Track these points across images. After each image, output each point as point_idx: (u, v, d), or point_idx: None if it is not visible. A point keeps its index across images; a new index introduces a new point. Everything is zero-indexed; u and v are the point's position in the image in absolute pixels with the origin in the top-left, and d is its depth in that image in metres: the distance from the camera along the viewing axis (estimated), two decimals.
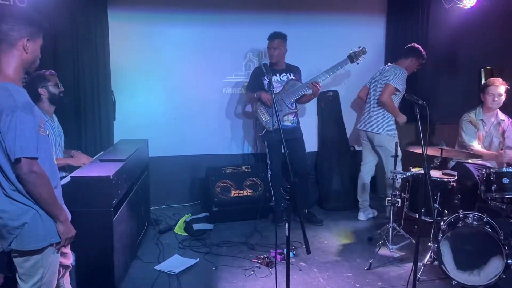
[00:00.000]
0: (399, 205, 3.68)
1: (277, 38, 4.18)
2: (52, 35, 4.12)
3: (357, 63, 4.28)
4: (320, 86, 4.13)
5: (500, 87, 3.91)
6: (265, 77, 4.27)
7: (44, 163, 1.96)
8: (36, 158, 1.90)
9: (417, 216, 3.64)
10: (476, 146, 3.99)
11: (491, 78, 4.12)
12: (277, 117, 2.65)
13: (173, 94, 4.78)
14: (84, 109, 4.41)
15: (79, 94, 4.37)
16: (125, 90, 4.65)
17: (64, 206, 2.16)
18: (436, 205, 3.37)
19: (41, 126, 1.94)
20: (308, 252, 2.43)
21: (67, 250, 2.31)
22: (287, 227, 2.23)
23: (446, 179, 3.53)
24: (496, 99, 3.93)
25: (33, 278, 2.02)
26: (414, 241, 3.69)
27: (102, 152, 3.69)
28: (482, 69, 5.07)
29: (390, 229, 3.68)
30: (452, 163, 4.19)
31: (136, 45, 4.63)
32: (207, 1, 4.69)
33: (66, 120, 4.15)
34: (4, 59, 1.95)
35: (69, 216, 2.18)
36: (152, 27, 4.64)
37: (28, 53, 1.98)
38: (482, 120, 4.03)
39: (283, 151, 4.25)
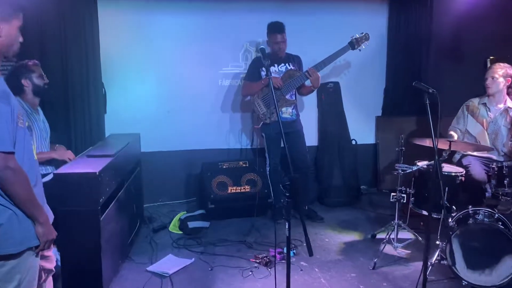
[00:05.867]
0: (404, 201, 3.50)
1: (283, 30, 3.95)
2: (38, 23, 3.93)
3: (359, 50, 4.08)
4: (318, 75, 3.92)
5: (496, 70, 3.73)
6: (263, 68, 4.09)
7: (22, 158, 1.77)
8: (13, 153, 1.70)
9: (423, 212, 3.52)
10: (453, 133, 3.89)
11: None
12: (276, 108, 2.46)
13: (166, 86, 4.58)
14: (73, 102, 4.21)
15: (68, 86, 4.18)
16: (116, 82, 4.45)
17: (46, 206, 1.98)
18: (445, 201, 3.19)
19: (19, 118, 1.75)
20: (311, 254, 2.25)
21: (49, 253, 2.12)
22: (287, 225, 2.03)
23: (454, 173, 3.36)
24: (489, 82, 3.75)
25: (9, 284, 1.83)
26: (420, 239, 3.54)
27: (91, 148, 3.49)
28: (488, 59, 4.87)
29: (395, 226, 3.52)
30: (457, 156, 4.01)
31: (128, 35, 4.43)
32: None
33: (54, 113, 3.99)
34: None
35: (51, 217, 1.99)
36: (144, 15, 4.43)
37: (2, 37, 1.78)
38: (485, 104, 3.85)
39: (282, 144, 4.15)
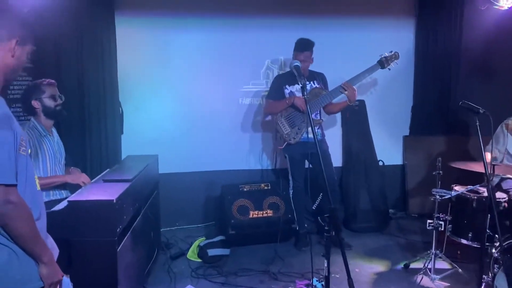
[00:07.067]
0: (442, 229, 3.24)
1: (311, 48, 3.80)
2: (55, 41, 3.82)
3: (389, 69, 3.89)
4: (354, 88, 3.73)
5: None
6: (287, 86, 3.91)
7: (23, 190, 1.57)
8: (15, 185, 1.51)
9: (462, 241, 3.26)
10: (488, 155, 3.55)
11: None
12: (312, 125, 2.27)
13: (185, 105, 4.42)
14: (89, 122, 4.07)
15: (84, 105, 4.05)
16: (133, 101, 4.31)
17: (50, 240, 1.77)
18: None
19: (22, 144, 1.56)
20: None
21: None
22: (326, 264, 1.80)
23: (498, 199, 3.10)
24: None
25: None
26: (460, 270, 3.26)
27: (107, 170, 3.31)
28: None
29: (433, 256, 3.25)
30: (496, 180, 3.73)
31: (145, 53, 4.31)
32: (221, 5, 4.35)
33: (69, 134, 3.84)
34: None
35: (56, 252, 1.78)
36: (162, 33, 4.31)
37: (13, 58, 1.62)
38: None
39: (306, 165, 3.93)
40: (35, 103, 2.83)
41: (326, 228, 2.02)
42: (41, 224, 1.68)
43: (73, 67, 3.96)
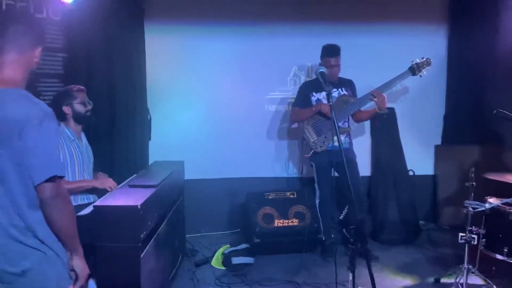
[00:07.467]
0: (475, 242, 3.10)
1: (338, 54, 3.74)
2: (86, 48, 3.89)
3: (420, 76, 3.77)
4: (384, 96, 3.64)
5: None
6: (314, 93, 3.86)
7: None
8: (63, 177, 1.58)
9: (496, 256, 3.11)
10: None
11: None
12: (337, 133, 2.21)
13: (211, 111, 4.44)
14: (118, 128, 4.11)
15: (114, 112, 4.09)
16: (161, 107, 4.35)
17: None
18: None
19: (60, 141, 1.64)
20: None
21: None
22: (350, 277, 1.73)
23: None
24: None
25: None
26: (495, 287, 3.11)
27: (134, 176, 3.33)
28: None
29: (465, 271, 3.10)
30: None
31: (173, 60, 4.35)
32: (249, 12, 4.35)
33: (98, 139, 3.88)
34: (15, 64, 1.64)
35: None
36: (190, 40, 4.34)
37: (36, 64, 1.72)
38: None
39: (333, 174, 3.86)
40: (66, 109, 2.88)
41: (351, 240, 1.94)
42: None
43: (103, 74, 4.02)
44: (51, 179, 1.53)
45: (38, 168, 1.52)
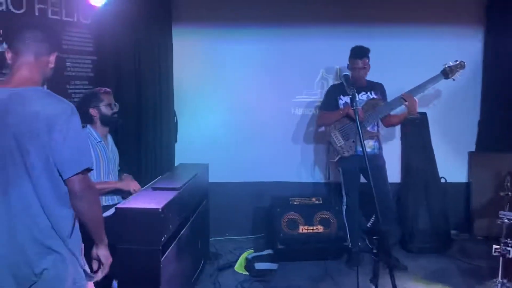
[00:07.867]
0: (510, 255, 2.94)
1: (366, 56, 3.64)
2: (115, 51, 3.96)
3: (453, 79, 3.62)
4: (415, 99, 3.52)
5: None
6: (341, 97, 3.77)
7: None
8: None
9: None
10: None
11: None
12: (361, 138, 2.13)
13: (237, 115, 4.42)
14: (145, 130, 4.17)
15: (141, 114, 4.15)
16: (188, 110, 4.38)
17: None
18: None
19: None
20: None
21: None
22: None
23: None
24: None
25: None
26: None
27: (158, 178, 3.35)
28: None
29: (499, 285, 2.95)
30: None
31: (200, 63, 4.37)
32: (276, 15, 4.31)
33: (125, 141, 3.94)
34: (31, 66, 1.69)
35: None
36: (217, 43, 4.35)
37: (51, 69, 1.77)
38: None
39: (361, 180, 3.76)
40: (93, 111, 2.92)
41: (374, 251, 1.86)
42: None
43: (131, 77, 4.08)
44: (82, 172, 1.59)
45: (70, 162, 1.57)
